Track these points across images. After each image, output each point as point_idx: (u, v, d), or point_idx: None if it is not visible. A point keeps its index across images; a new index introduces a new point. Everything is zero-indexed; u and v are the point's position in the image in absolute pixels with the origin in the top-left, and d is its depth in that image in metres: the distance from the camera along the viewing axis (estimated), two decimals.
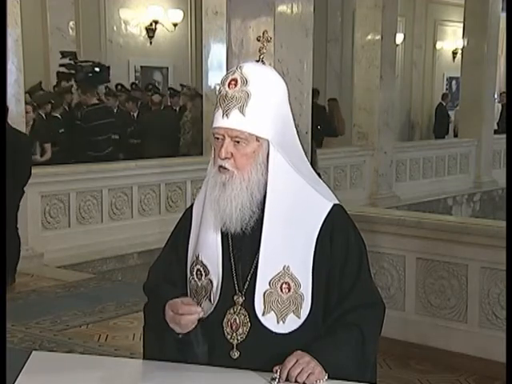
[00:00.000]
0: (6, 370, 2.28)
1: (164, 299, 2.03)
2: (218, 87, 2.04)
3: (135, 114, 10.07)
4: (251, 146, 1.99)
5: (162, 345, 2.06)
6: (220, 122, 1.98)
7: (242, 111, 1.96)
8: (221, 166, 2.00)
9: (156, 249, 6.36)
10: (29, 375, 1.99)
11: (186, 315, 1.95)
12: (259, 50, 2.06)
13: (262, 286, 2.00)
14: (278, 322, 2.00)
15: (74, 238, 7.51)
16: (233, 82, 1.97)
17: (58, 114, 8.69)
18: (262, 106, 1.98)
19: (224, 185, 2.00)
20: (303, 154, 2.12)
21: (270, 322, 2.00)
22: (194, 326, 1.98)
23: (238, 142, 1.97)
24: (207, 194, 2.05)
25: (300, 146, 2.10)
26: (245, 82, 1.97)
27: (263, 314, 2.00)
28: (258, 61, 2.05)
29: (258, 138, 1.99)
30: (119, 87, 10.70)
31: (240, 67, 2.00)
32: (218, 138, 2.00)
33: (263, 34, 2.07)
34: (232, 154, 1.98)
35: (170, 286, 2.12)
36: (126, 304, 5.99)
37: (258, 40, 2.07)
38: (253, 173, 1.99)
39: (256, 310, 2.00)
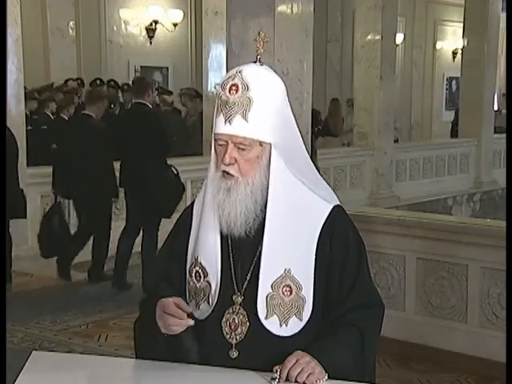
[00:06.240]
0: (5, 370, 2.28)
1: (160, 296, 2.02)
2: (217, 89, 2.02)
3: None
4: (254, 151, 1.98)
5: (151, 340, 2.05)
6: (222, 128, 1.97)
7: (244, 117, 1.95)
8: (225, 172, 1.99)
9: None
10: (29, 375, 1.99)
11: (175, 318, 1.94)
12: (256, 51, 2.05)
13: (264, 289, 2.00)
14: (280, 326, 2.00)
15: None
16: (234, 88, 1.96)
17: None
18: (264, 111, 1.97)
19: (229, 190, 1.99)
20: (307, 155, 2.12)
21: (272, 325, 2.00)
22: (179, 331, 1.96)
23: (242, 148, 1.97)
24: (210, 197, 2.04)
25: (303, 147, 2.10)
26: (246, 87, 1.96)
27: (266, 318, 2.00)
28: (255, 62, 2.04)
29: (261, 143, 1.99)
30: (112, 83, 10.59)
31: (240, 71, 1.99)
32: (220, 144, 2.00)
33: (259, 34, 2.06)
34: (236, 160, 1.98)
35: (169, 286, 2.12)
36: (125, 304, 5.99)
37: (256, 41, 2.06)
38: (257, 177, 1.99)
39: (259, 314, 2.00)
